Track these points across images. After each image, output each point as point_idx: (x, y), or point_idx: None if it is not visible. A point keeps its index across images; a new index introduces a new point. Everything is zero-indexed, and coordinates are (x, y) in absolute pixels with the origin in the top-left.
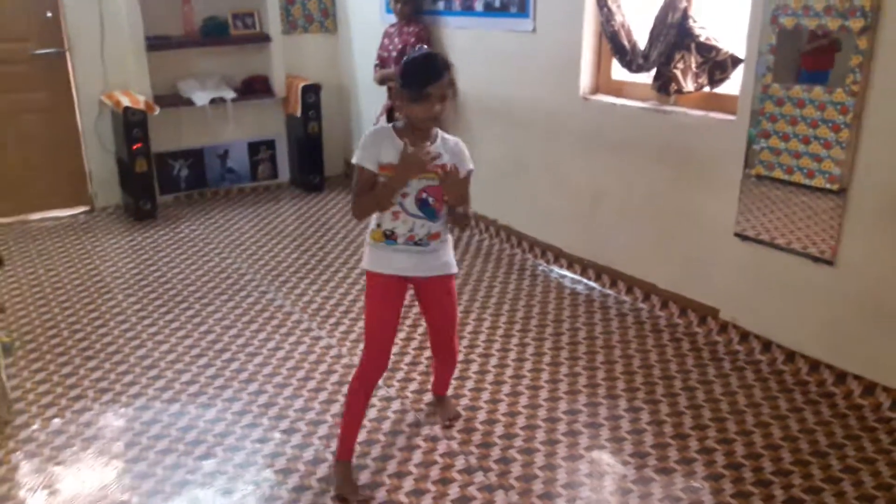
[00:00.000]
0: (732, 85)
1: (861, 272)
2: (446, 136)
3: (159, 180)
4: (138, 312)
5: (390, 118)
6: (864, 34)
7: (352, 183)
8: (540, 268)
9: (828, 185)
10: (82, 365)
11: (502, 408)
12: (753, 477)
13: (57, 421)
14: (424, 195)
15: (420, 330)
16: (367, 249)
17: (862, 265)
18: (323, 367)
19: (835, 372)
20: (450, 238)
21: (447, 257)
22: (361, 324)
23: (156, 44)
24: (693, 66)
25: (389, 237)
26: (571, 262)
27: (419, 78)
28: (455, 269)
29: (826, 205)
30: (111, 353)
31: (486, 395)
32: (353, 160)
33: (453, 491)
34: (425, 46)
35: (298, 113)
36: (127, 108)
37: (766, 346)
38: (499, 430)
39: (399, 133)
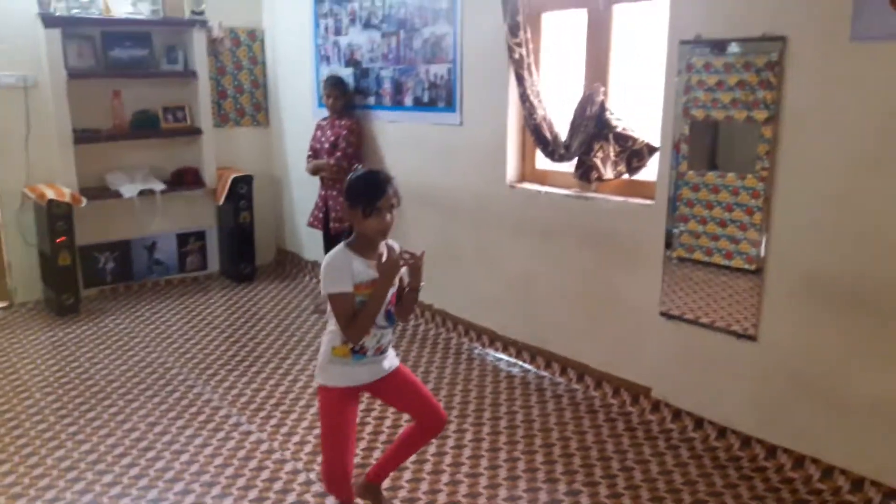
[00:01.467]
0: (650, 172)
1: (782, 347)
2: (388, 241)
3: (83, 273)
4: (57, 411)
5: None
6: (768, 124)
7: (336, 313)
8: (476, 351)
9: (745, 266)
10: None
11: (441, 498)
12: None
13: None
14: (389, 308)
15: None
16: (325, 367)
17: (783, 340)
18: (253, 464)
19: (765, 446)
20: None
21: (392, 352)
22: (294, 416)
23: (84, 137)
24: (612, 154)
25: (358, 352)
26: (506, 344)
27: (367, 196)
28: (398, 360)
29: (745, 284)
30: (26, 455)
31: (424, 486)
32: (328, 291)
33: None
34: (360, 166)
35: (221, 201)
36: (51, 201)
37: (699, 422)
38: None
39: (354, 249)
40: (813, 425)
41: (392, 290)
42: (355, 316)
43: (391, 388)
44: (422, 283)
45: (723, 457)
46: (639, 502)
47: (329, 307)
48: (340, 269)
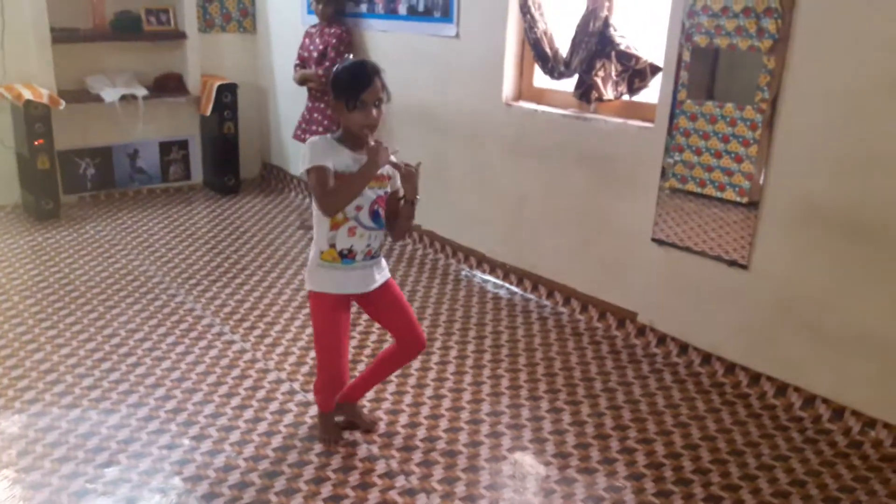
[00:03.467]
0: (651, 93)
1: (774, 277)
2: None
3: (63, 179)
4: (36, 315)
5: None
6: (772, 54)
7: (312, 186)
8: (463, 273)
9: (738, 199)
10: None
11: (424, 411)
12: (674, 476)
13: None
14: (376, 207)
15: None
16: (315, 271)
17: (774, 270)
18: (236, 372)
19: (749, 373)
20: None
21: (384, 263)
22: (278, 328)
23: (62, 36)
24: (613, 73)
25: (346, 256)
26: (494, 266)
27: (352, 86)
28: (389, 274)
29: (738, 216)
30: (4, 356)
31: (408, 399)
32: (307, 165)
33: (373, 496)
34: (350, 55)
35: (208, 112)
36: (28, 102)
37: (684, 348)
38: (421, 433)
39: (340, 142)
40: (798, 354)
41: (384, 191)
42: (334, 188)
43: (379, 303)
44: (418, 197)
45: (706, 382)
46: (620, 422)
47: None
48: (322, 149)
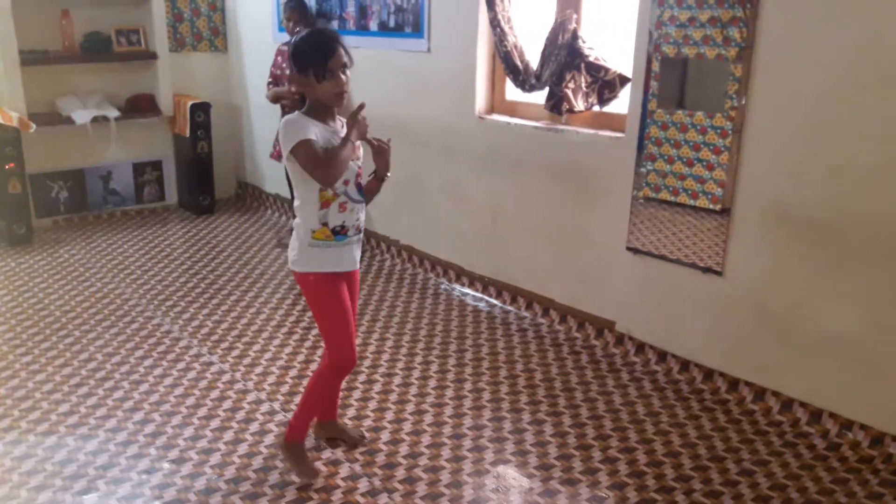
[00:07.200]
0: (621, 104)
1: (748, 282)
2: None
3: (35, 203)
4: (10, 341)
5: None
6: (739, 62)
7: (304, 161)
8: (442, 286)
9: (711, 206)
10: None
11: (406, 427)
12: (656, 484)
13: None
14: (359, 179)
15: (307, 343)
16: (307, 252)
17: (748, 275)
18: (214, 394)
19: (727, 379)
20: None
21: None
22: (256, 348)
23: (31, 58)
24: (583, 85)
25: (339, 232)
26: (473, 279)
27: (318, 56)
28: None
29: (711, 223)
30: None
31: (389, 415)
32: (291, 144)
33: None
34: (301, 29)
35: (187, 133)
36: None
37: (662, 356)
38: (403, 449)
39: (311, 116)
40: (775, 359)
41: (359, 163)
42: (327, 156)
43: (349, 288)
44: (388, 174)
45: (685, 389)
46: (602, 432)
47: (293, 175)
48: (300, 124)
